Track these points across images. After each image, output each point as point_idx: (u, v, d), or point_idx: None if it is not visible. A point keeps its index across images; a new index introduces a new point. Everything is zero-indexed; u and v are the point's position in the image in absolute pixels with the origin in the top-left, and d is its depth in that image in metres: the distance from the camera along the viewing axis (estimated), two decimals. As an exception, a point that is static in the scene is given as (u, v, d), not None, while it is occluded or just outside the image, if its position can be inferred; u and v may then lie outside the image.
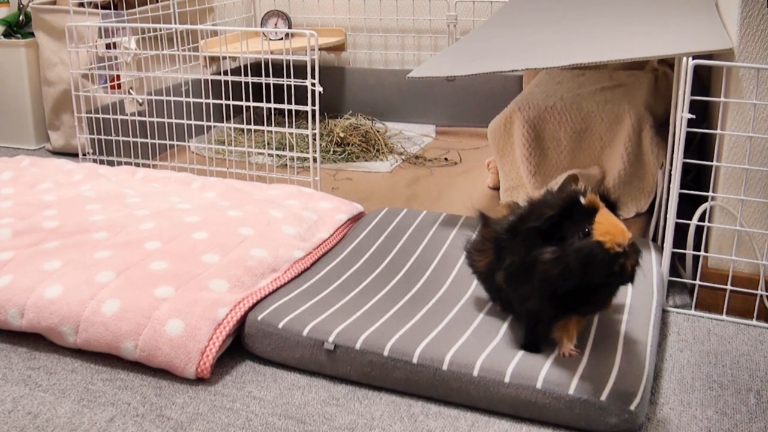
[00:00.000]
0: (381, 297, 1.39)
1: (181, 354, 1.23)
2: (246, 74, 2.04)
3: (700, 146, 1.92)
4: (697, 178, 1.88)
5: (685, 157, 1.39)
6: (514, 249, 1.16)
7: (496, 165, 1.91)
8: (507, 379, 1.14)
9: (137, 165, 2.20)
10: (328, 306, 1.35)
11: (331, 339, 1.24)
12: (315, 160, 1.94)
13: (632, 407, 1.08)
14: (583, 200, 1.11)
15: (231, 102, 2.06)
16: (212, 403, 1.18)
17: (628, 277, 1.11)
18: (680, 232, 1.46)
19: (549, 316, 1.18)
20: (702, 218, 1.46)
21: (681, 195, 1.42)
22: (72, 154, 2.43)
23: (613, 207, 1.14)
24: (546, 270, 1.10)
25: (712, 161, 1.41)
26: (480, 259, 1.29)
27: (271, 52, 2.34)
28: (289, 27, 2.70)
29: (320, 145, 2.40)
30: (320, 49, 2.72)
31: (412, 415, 1.15)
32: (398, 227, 1.70)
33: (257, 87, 2.15)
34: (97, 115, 2.20)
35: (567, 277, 1.09)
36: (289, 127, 2.07)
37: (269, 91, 2.06)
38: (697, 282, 1.45)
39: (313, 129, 1.90)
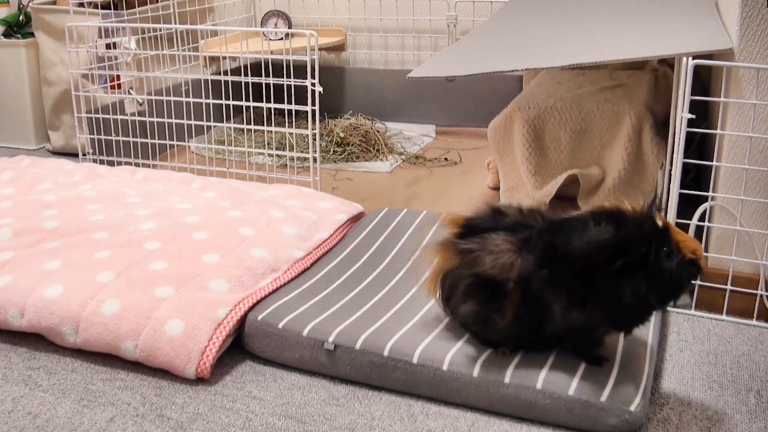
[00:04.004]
0: (381, 297, 1.39)
1: (181, 354, 1.23)
2: (246, 74, 2.04)
3: (700, 146, 1.92)
4: (697, 178, 1.88)
5: (685, 157, 1.39)
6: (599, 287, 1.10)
7: (496, 165, 1.91)
8: (507, 380, 1.14)
9: (137, 165, 2.19)
10: (328, 306, 1.35)
11: (331, 339, 1.24)
12: (315, 160, 1.94)
13: (632, 408, 1.08)
14: (659, 221, 1.09)
15: (231, 102, 2.05)
16: (212, 403, 1.18)
17: None
18: (680, 232, 1.46)
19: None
20: (702, 218, 1.46)
21: (681, 195, 1.42)
22: (72, 154, 2.43)
23: None
24: (645, 300, 1.09)
25: (712, 161, 1.41)
26: (501, 318, 1.15)
27: (271, 52, 2.33)
28: (289, 27, 2.70)
29: (320, 145, 2.40)
30: (320, 49, 2.72)
31: (412, 415, 1.15)
32: (398, 227, 1.70)
33: (257, 87, 2.15)
34: (97, 115, 2.20)
35: (668, 299, 1.11)
36: (289, 127, 2.07)
37: (269, 91, 2.06)
38: (697, 282, 1.45)
39: (313, 129, 1.90)
